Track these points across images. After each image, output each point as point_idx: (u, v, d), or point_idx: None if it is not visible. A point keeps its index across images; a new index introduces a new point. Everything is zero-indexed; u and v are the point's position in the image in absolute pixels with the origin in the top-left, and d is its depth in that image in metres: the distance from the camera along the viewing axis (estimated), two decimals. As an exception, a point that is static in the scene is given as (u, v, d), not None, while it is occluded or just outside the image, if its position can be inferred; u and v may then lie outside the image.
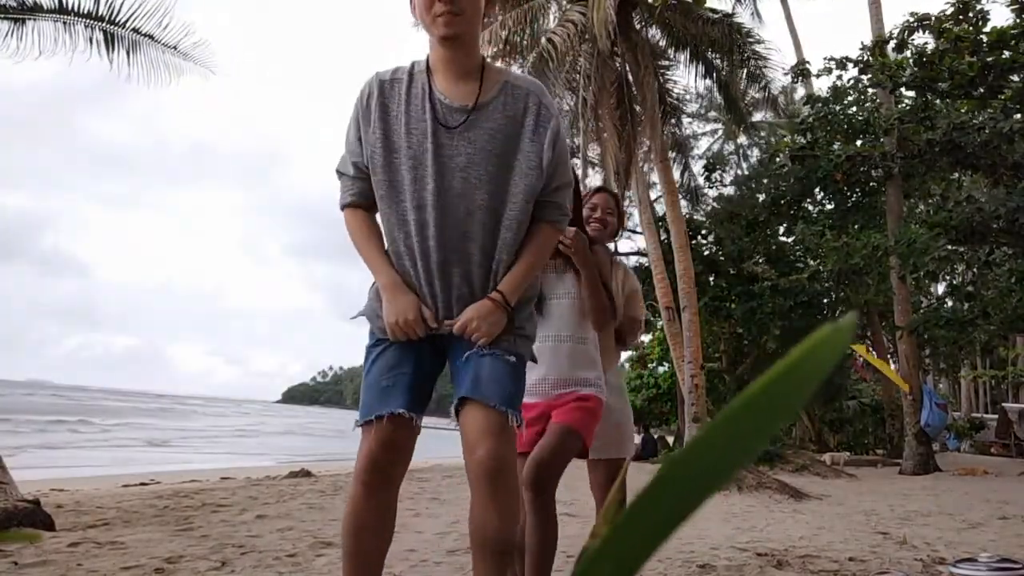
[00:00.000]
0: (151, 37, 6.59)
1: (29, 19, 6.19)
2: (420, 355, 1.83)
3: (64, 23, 6.32)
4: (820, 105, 14.14)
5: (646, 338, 23.70)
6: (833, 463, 14.12)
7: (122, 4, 6.44)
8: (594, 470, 2.80)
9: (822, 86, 16.04)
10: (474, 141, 1.78)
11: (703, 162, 20.25)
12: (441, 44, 1.80)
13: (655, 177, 14.37)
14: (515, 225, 1.81)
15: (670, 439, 18.92)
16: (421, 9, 1.78)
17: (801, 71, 14.33)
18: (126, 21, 6.50)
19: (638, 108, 13.01)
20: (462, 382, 1.77)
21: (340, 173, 1.91)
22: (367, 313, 1.90)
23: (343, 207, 1.90)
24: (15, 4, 6.17)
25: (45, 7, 6.24)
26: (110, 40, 6.54)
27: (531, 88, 1.86)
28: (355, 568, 1.77)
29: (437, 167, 1.76)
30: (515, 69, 13.10)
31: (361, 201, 1.87)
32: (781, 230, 18.05)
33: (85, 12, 6.36)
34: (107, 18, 6.42)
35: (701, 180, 19.32)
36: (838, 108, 14.59)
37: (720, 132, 24.99)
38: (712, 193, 19.94)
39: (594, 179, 15.56)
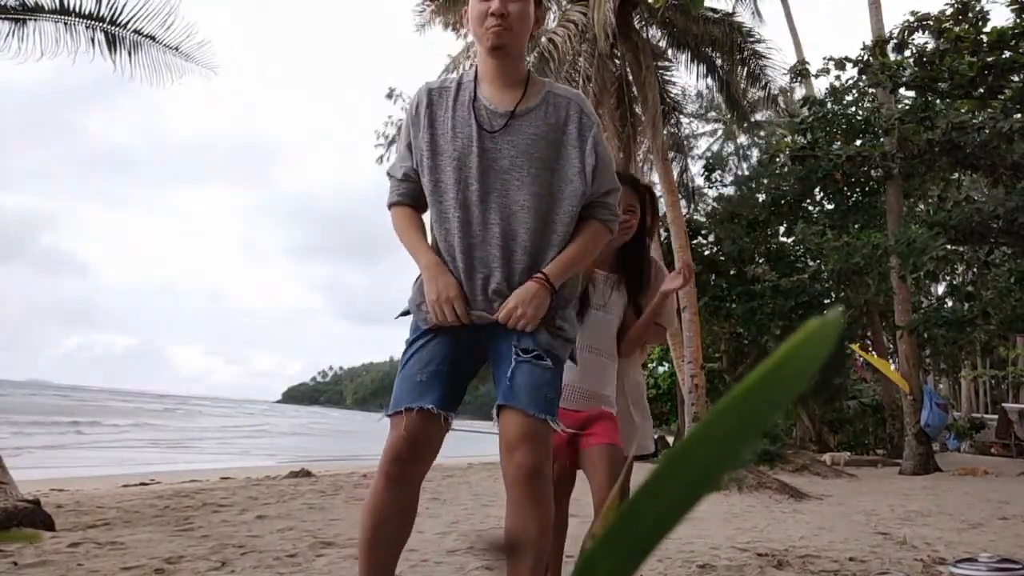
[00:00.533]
0: (153, 38, 6.60)
1: (30, 19, 6.19)
2: (458, 352, 1.87)
3: (65, 24, 6.33)
4: (817, 106, 14.14)
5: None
6: (833, 463, 14.13)
7: (124, 5, 6.45)
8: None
9: (822, 86, 16.05)
10: (516, 144, 1.86)
11: (702, 162, 20.28)
12: (490, 55, 1.90)
13: (654, 177, 14.35)
14: (560, 228, 1.88)
15: (670, 439, 18.92)
16: (474, 22, 1.89)
17: (800, 72, 14.33)
18: (128, 22, 6.51)
19: (638, 108, 13.01)
20: (501, 388, 1.81)
21: (390, 175, 2.01)
22: (410, 306, 1.95)
23: (390, 206, 2.00)
24: (16, 4, 6.17)
25: (46, 7, 6.24)
26: (112, 41, 6.54)
27: (572, 97, 1.95)
28: (370, 563, 1.78)
29: (481, 169, 1.85)
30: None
31: (407, 200, 1.97)
32: (781, 230, 18.05)
33: (87, 13, 6.36)
34: (108, 19, 6.42)
35: (700, 180, 19.34)
36: (837, 108, 14.59)
37: (720, 132, 25.01)
38: (712, 193, 19.96)
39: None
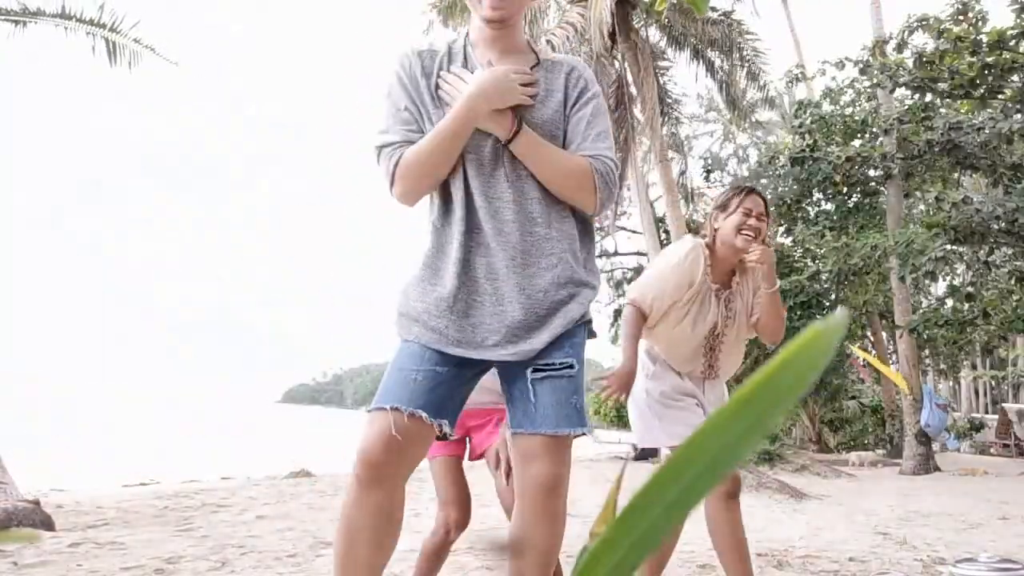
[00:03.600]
0: (152, 50, 6.65)
1: (31, 22, 6.20)
2: (461, 365, 1.67)
3: (65, 28, 6.35)
4: (813, 108, 14.14)
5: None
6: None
7: (125, 15, 6.49)
8: None
9: (820, 88, 16.05)
10: (519, 113, 1.68)
11: (702, 162, 20.28)
12: (486, 25, 1.73)
13: (653, 177, 14.37)
14: (562, 207, 1.70)
15: (670, 439, 18.86)
16: None
17: (796, 76, 14.32)
18: (128, 30, 6.55)
19: (636, 109, 13.01)
20: (517, 410, 1.64)
21: (383, 145, 1.70)
22: (399, 328, 1.74)
23: (393, 169, 1.66)
24: (17, 8, 6.19)
25: (48, 12, 6.26)
26: (112, 47, 6.56)
27: (569, 61, 1.79)
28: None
29: (486, 139, 1.67)
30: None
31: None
32: (780, 231, 18.04)
33: (87, 19, 6.40)
34: (108, 26, 6.46)
35: (700, 180, 19.34)
36: (833, 109, 14.59)
37: (719, 133, 25.00)
38: (712, 193, 19.95)
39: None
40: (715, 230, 2.53)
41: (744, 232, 2.45)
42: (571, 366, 1.63)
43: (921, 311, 13.99)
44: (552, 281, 1.65)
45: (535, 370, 1.62)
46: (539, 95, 1.70)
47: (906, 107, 12.74)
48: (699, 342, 2.48)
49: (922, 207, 16.12)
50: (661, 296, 2.42)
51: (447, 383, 1.63)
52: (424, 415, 1.57)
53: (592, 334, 1.78)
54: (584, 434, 1.63)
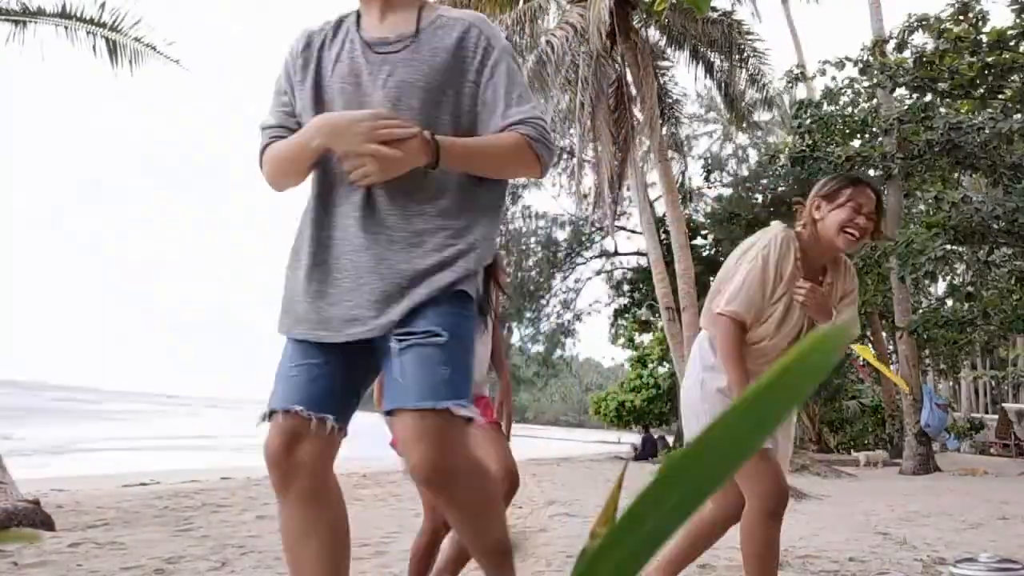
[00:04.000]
0: (153, 48, 6.66)
1: (31, 22, 6.21)
2: (340, 353, 1.57)
3: (66, 28, 6.36)
4: (813, 108, 14.15)
5: (646, 338, 23.70)
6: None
7: (126, 14, 6.51)
8: None
9: (820, 88, 16.04)
10: (395, 74, 1.58)
11: (701, 162, 20.29)
12: None
13: (653, 177, 14.37)
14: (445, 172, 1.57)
15: (670, 439, 18.91)
16: None
17: (796, 76, 14.34)
18: (129, 29, 6.56)
19: (636, 109, 13.02)
20: (386, 389, 1.53)
21: (262, 127, 1.69)
22: (281, 325, 1.68)
23: (260, 155, 1.67)
24: (18, 8, 6.19)
25: (48, 11, 6.27)
26: (113, 46, 6.57)
27: (468, 18, 1.65)
28: None
29: (360, 104, 1.58)
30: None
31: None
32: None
33: (88, 18, 6.41)
34: (109, 25, 6.47)
35: (700, 180, 19.34)
36: (833, 110, 14.60)
37: (718, 133, 25.01)
38: (712, 193, 19.97)
39: (588, 179, 15.54)
40: (815, 220, 2.24)
41: (848, 230, 2.15)
42: (436, 334, 1.48)
43: (921, 311, 14.00)
44: (419, 254, 1.54)
45: (398, 340, 1.49)
46: (427, 56, 1.59)
47: (906, 107, 12.72)
48: (781, 345, 2.22)
49: (922, 207, 16.10)
50: (763, 302, 2.18)
51: (327, 376, 1.54)
52: (299, 409, 1.48)
53: (482, 308, 1.65)
54: (462, 407, 1.45)
